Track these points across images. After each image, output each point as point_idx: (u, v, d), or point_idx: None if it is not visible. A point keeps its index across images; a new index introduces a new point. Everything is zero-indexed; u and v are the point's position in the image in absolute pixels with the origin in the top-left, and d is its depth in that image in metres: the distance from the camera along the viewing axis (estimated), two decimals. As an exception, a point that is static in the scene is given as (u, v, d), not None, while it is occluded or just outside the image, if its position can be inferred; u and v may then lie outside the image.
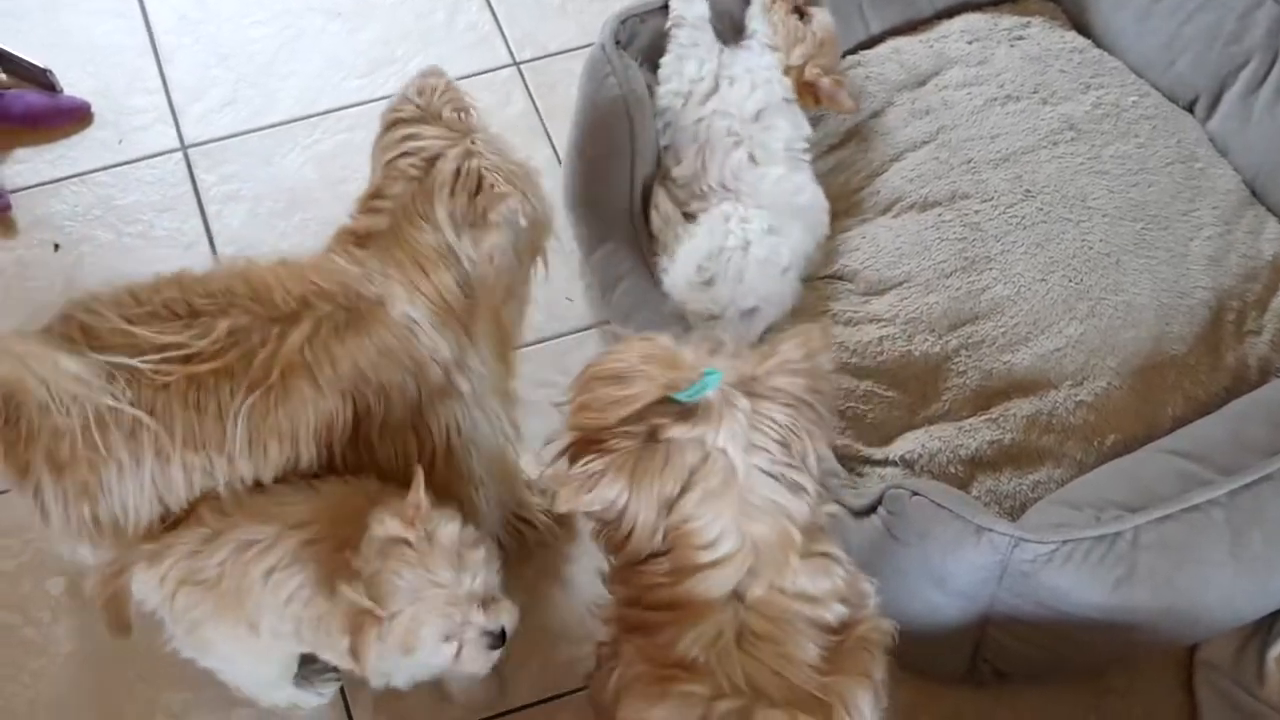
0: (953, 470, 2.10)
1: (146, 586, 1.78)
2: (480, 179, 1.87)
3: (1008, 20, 2.67)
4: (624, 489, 1.57)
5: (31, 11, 3.00)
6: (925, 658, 2.06)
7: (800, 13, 2.44)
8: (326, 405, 1.81)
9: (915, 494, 1.90)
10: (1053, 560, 1.83)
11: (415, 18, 3.03)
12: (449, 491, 1.94)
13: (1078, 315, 2.23)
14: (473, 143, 1.89)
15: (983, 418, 2.14)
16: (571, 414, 1.64)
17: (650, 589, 1.61)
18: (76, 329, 1.75)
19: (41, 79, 2.82)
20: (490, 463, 2.02)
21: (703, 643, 1.57)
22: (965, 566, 1.87)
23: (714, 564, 1.58)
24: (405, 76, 2.91)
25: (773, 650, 1.58)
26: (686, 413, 1.57)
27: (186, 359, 1.75)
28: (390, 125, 1.94)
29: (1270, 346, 2.26)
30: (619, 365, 1.61)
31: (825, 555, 1.65)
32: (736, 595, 1.60)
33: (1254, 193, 2.45)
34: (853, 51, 2.65)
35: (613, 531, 1.63)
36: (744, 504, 1.58)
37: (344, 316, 1.82)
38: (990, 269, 2.29)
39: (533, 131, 2.82)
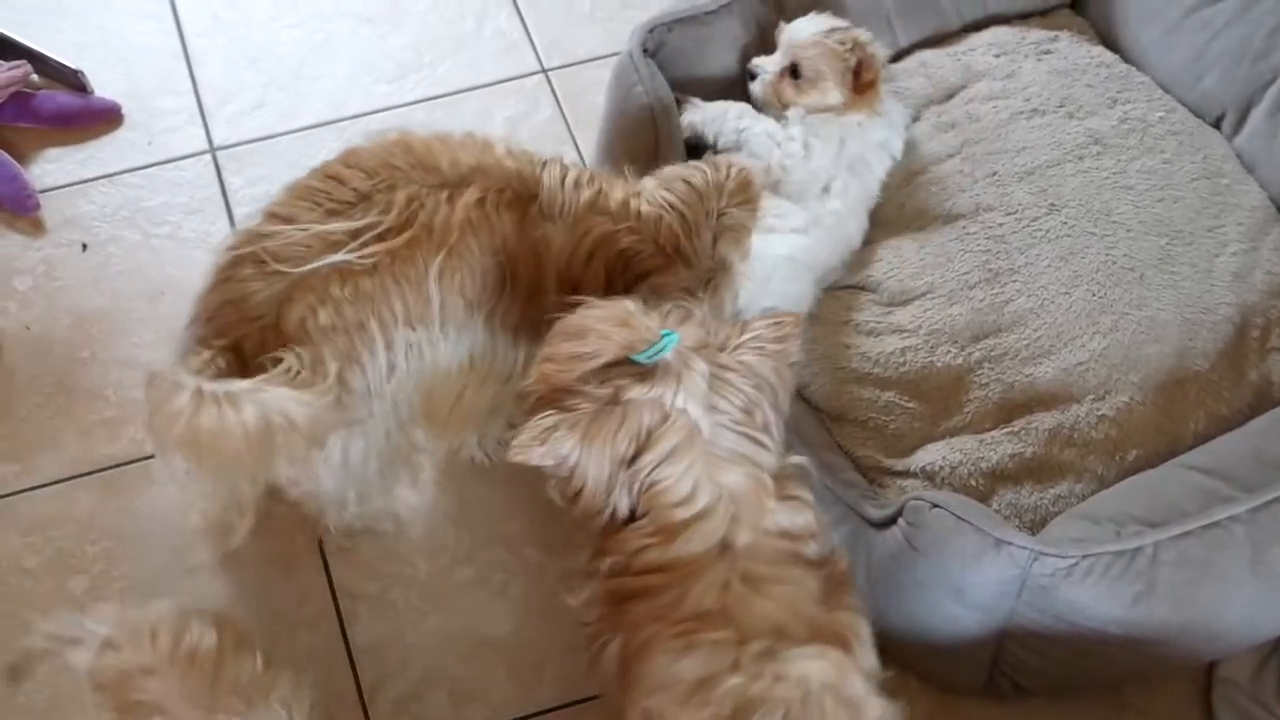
0: (973, 483, 2.09)
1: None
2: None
3: (1035, 34, 2.67)
4: (575, 445, 1.60)
5: (64, 12, 3.02)
6: (943, 670, 2.06)
7: (794, 71, 2.40)
8: (486, 264, 1.87)
9: (935, 506, 1.89)
10: (1072, 575, 1.83)
11: (444, 24, 3.04)
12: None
13: (1101, 329, 2.23)
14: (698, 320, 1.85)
15: (1004, 430, 2.14)
16: (537, 365, 1.68)
17: (638, 553, 1.64)
18: (265, 256, 1.78)
19: (73, 80, 2.84)
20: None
21: (714, 592, 1.59)
22: (984, 579, 1.86)
23: (697, 518, 1.61)
24: (433, 82, 2.95)
25: (782, 590, 1.61)
26: (646, 374, 1.60)
27: (381, 236, 1.80)
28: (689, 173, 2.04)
29: (1294, 363, 2.25)
30: (580, 323, 1.65)
31: (797, 498, 1.69)
32: (725, 546, 1.62)
33: (1280, 210, 2.45)
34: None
35: (565, 486, 1.66)
36: (711, 457, 1.61)
37: (512, 195, 1.89)
38: (1014, 281, 2.28)
39: (560, 139, 2.83)
